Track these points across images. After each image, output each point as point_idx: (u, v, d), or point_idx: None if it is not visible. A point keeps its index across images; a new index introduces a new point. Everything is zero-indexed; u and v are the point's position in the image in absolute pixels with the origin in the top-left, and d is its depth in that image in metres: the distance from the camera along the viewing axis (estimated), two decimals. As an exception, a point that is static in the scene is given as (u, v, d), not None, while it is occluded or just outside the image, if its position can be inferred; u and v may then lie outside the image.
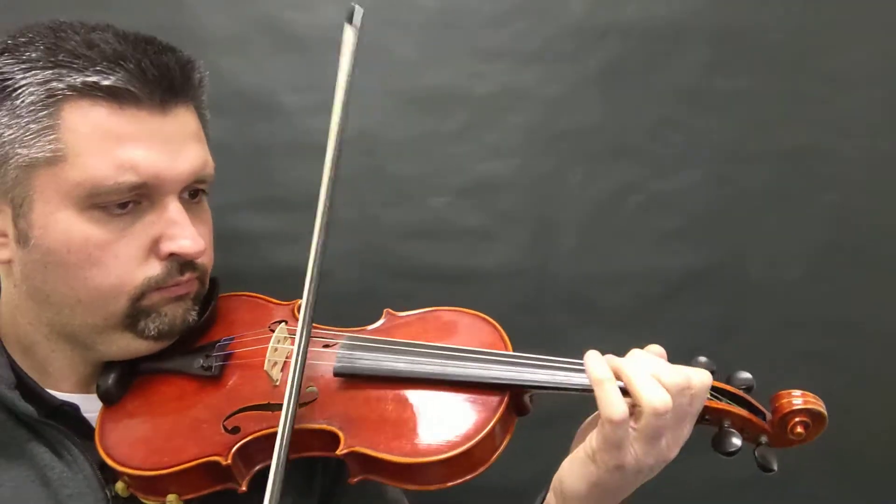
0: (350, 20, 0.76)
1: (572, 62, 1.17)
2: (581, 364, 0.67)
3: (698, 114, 1.17)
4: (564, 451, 0.72)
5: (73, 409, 0.75)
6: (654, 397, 0.61)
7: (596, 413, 0.72)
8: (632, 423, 0.62)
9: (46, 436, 0.72)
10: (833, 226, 1.18)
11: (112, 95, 0.67)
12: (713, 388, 0.69)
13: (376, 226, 1.18)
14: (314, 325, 0.75)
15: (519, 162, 1.18)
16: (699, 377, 0.65)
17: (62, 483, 0.71)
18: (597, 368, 0.64)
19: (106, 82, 0.66)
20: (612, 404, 0.62)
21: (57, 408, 0.75)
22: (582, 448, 0.66)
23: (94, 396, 0.76)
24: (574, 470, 0.67)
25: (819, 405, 0.68)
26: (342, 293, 1.14)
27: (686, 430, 0.66)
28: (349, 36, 0.76)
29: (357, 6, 0.76)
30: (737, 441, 0.67)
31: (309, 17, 1.15)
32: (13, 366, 0.75)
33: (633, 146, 1.18)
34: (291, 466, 0.66)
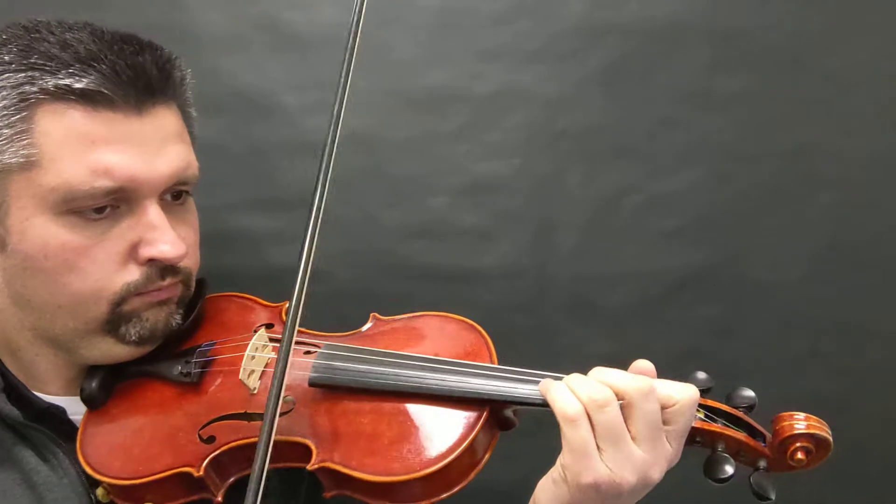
0: None
1: (572, 62, 1.17)
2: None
3: (698, 114, 1.17)
4: (550, 457, 0.69)
5: (60, 412, 0.75)
6: (592, 391, 0.61)
7: None
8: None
9: (32, 439, 0.72)
10: (833, 226, 1.18)
11: (85, 98, 0.66)
12: (709, 408, 0.66)
13: (376, 226, 1.17)
14: (298, 329, 0.72)
15: (519, 162, 1.18)
16: (679, 391, 0.62)
17: (47, 487, 0.70)
18: (547, 381, 0.65)
19: (78, 85, 0.65)
20: (562, 401, 0.61)
21: (44, 410, 0.74)
22: (554, 468, 0.65)
23: None
24: (547, 489, 0.65)
25: (823, 430, 0.64)
26: (342, 293, 1.14)
27: (670, 449, 0.63)
28: None
29: None
30: (729, 468, 0.63)
31: (308, 16, 1.15)
32: (1, 368, 0.75)
33: (633, 146, 1.18)
34: (274, 472, 0.64)
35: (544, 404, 0.66)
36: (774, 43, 1.16)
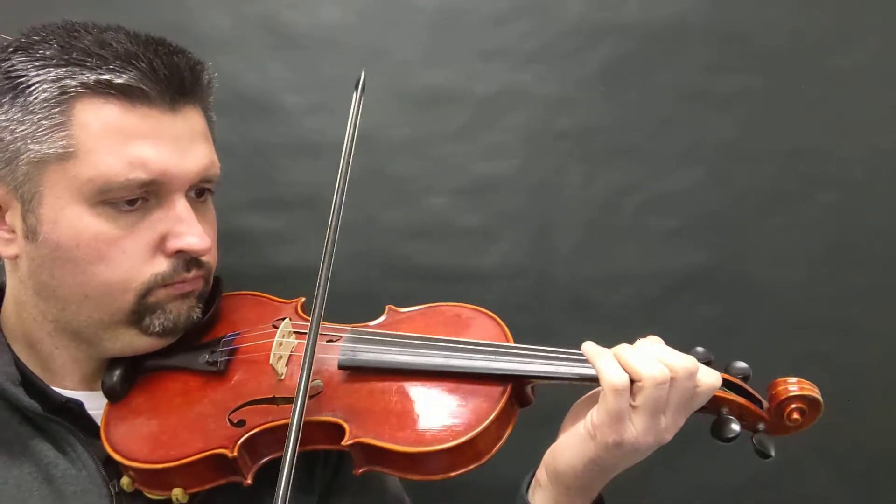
0: (357, 86, 0.81)
1: (572, 62, 1.17)
2: (581, 354, 0.69)
3: (698, 114, 1.17)
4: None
5: (78, 406, 0.76)
6: (654, 369, 0.64)
7: (589, 393, 0.73)
8: (632, 401, 0.64)
9: (51, 432, 0.73)
10: (833, 226, 1.18)
11: (124, 93, 0.68)
12: None
13: (376, 226, 1.18)
14: None
15: (519, 162, 1.18)
16: (707, 375, 0.67)
17: (66, 480, 0.71)
18: (593, 347, 0.69)
19: (118, 80, 0.67)
20: (612, 372, 0.65)
21: (61, 405, 0.75)
22: (581, 424, 0.68)
23: (99, 393, 0.76)
24: (571, 445, 0.68)
25: (814, 391, 0.68)
26: (342, 293, 1.13)
27: (684, 417, 0.67)
28: (356, 99, 0.81)
29: (363, 72, 0.81)
30: (735, 427, 0.68)
31: (308, 17, 1.15)
32: (18, 362, 0.76)
33: (633, 146, 1.18)
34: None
35: (565, 378, 0.70)
36: (774, 43, 1.16)
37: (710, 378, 0.67)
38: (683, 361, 0.65)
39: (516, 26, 1.16)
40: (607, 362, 0.66)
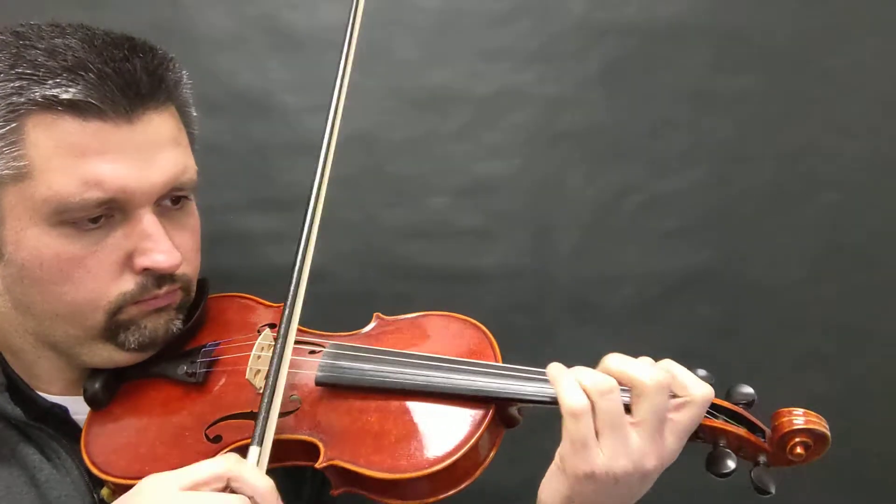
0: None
1: (572, 62, 1.17)
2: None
3: (699, 114, 1.17)
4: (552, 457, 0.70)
5: (63, 412, 0.75)
6: (601, 381, 0.61)
7: None
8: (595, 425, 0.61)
9: (35, 438, 0.72)
10: (833, 226, 1.18)
11: (74, 109, 0.64)
12: (710, 405, 0.66)
13: (376, 226, 1.17)
14: (301, 328, 0.74)
15: (519, 162, 1.18)
16: (696, 387, 0.63)
17: (50, 486, 0.70)
18: (556, 369, 0.65)
19: (66, 96, 0.63)
20: (568, 395, 0.61)
21: (47, 410, 0.74)
22: (553, 462, 0.65)
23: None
24: (547, 483, 0.66)
25: (821, 425, 0.64)
26: (342, 293, 1.14)
27: (671, 443, 0.63)
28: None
29: None
30: (731, 463, 0.64)
31: (308, 17, 1.15)
32: (5, 368, 0.75)
33: (634, 146, 1.18)
34: (279, 472, 0.64)
35: (549, 402, 0.66)
36: (775, 43, 1.16)
37: (698, 390, 0.62)
38: (651, 372, 0.61)
39: (516, 26, 1.16)
40: (566, 384, 0.62)
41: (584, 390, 0.62)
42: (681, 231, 1.18)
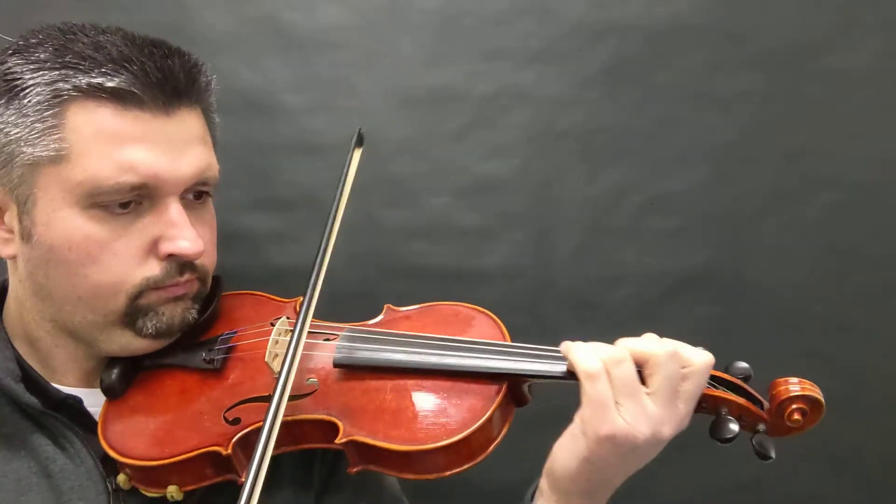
0: (361, 143, 0.84)
1: (573, 62, 1.17)
2: None
3: (699, 114, 1.17)
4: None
5: (77, 403, 0.76)
6: (616, 350, 0.65)
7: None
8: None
9: (50, 428, 0.73)
10: (833, 226, 1.18)
11: (116, 97, 0.68)
12: (712, 377, 0.69)
13: (376, 226, 1.18)
14: (315, 320, 0.76)
15: (519, 162, 1.18)
16: (697, 355, 0.66)
17: (64, 475, 0.72)
18: (567, 343, 0.69)
19: (110, 84, 0.67)
20: (584, 359, 0.65)
21: (61, 401, 0.76)
22: (572, 424, 0.67)
23: (98, 391, 0.77)
24: (564, 446, 0.68)
25: (816, 392, 0.67)
26: (342, 293, 1.13)
27: (681, 409, 0.66)
28: (357, 154, 0.83)
29: (361, 129, 0.85)
30: (734, 427, 0.67)
31: (309, 17, 1.15)
32: (19, 359, 0.76)
33: (634, 146, 1.18)
34: (289, 459, 0.65)
35: (560, 377, 0.69)
36: (775, 43, 1.16)
37: (699, 357, 0.66)
38: (660, 343, 0.66)
39: (517, 26, 1.16)
40: (580, 351, 0.66)
41: (601, 359, 0.65)
42: (681, 231, 1.18)
